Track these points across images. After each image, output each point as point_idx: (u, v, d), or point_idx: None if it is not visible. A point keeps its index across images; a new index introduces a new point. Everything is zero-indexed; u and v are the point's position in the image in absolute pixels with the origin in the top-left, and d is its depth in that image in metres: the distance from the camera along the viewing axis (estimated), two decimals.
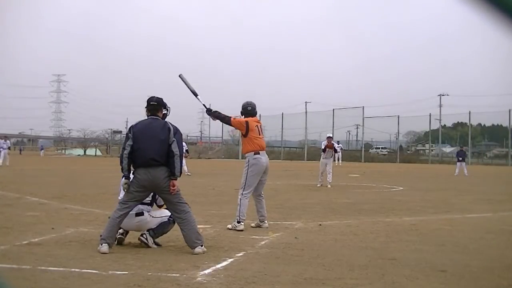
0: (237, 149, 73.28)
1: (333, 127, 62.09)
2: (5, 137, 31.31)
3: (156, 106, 5.92)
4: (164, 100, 6.03)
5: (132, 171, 5.77)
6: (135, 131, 5.76)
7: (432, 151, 66.05)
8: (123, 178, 5.76)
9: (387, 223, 8.12)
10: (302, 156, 63.30)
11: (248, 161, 7.45)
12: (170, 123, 5.91)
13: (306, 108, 69.64)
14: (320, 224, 7.86)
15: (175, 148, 5.67)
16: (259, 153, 7.51)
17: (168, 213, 5.97)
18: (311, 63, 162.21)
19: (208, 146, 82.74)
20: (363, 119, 64.57)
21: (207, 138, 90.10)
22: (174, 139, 5.69)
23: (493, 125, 69.99)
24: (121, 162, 5.72)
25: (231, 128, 7.40)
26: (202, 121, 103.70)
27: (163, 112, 6.00)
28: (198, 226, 7.41)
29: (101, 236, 5.60)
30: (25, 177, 18.80)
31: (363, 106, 64.74)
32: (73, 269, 4.70)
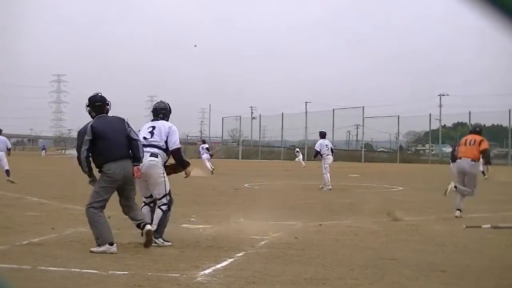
0: (237, 149, 73.39)
1: (333, 127, 62.13)
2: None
3: (101, 105, 6.00)
4: (104, 96, 6.12)
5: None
6: (100, 129, 5.76)
7: (432, 151, 66.05)
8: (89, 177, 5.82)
9: (387, 223, 8.11)
10: (302, 156, 63.25)
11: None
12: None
13: (306, 108, 69.75)
14: (320, 224, 7.86)
15: (134, 135, 5.86)
16: None
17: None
18: (311, 63, 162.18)
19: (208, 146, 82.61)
20: (363, 119, 64.64)
21: (207, 138, 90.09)
22: (130, 128, 5.89)
23: (493, 125, 69.96)
24: (81, 167, 5.72)
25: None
26: (202, 121, 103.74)
27: (107, 108, 6.06)
28: (198, 226, 7.46)
29: (98, 240, 5.49)
30: (25, 177, 18.79)
31: (363, 106, 64.89)
32: (73, 269, 4.70)
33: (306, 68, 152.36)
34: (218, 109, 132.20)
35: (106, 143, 5.69)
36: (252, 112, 77.71)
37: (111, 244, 5.46)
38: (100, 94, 6.05)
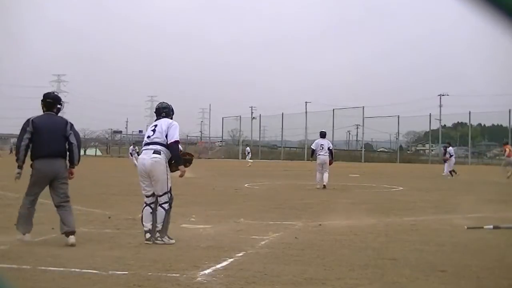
0: (237, 149, 73.37)
1: (333, 127, 62.12)
2: None
3: (52, 103, 6.29)
4: (59, 95, 6.48)
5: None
6: (38, 125, 6.06)
7: (432, 151, 66.05)
8: (17, 168, 6.17)
9: (387, 223, 8.12)
10: (302, 156, 63.25)
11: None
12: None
13: (306, 108, 69.77)
14: (320, 224, 7.86)
15: (73, 139, 6.18)
16: None
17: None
18: (311, 63, 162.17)
19: (208, 146, 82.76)
20: (363, 119, 64.64)
21: (207, 138, 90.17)
22: (71, 132, 6.18)
23: (493, 125, 69.96)
24: (18, 153, 6.11)
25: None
26: (202, 121, 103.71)
27: (58, 107, 6.35)
28: (198, 226, 7.46)
29: (18, 229, 6.00)
30: (25, 177, 18.79)
31: (363, 106, 64.87)
32: (73, 269, 4.71)
33: (306, 68, 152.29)
34: (218, 109, 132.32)
35: (39, 139, 6.00)
36: (252, 112, 77.80)
37: (24, 234, 5.95)
38: (54, 93, 6.44)
